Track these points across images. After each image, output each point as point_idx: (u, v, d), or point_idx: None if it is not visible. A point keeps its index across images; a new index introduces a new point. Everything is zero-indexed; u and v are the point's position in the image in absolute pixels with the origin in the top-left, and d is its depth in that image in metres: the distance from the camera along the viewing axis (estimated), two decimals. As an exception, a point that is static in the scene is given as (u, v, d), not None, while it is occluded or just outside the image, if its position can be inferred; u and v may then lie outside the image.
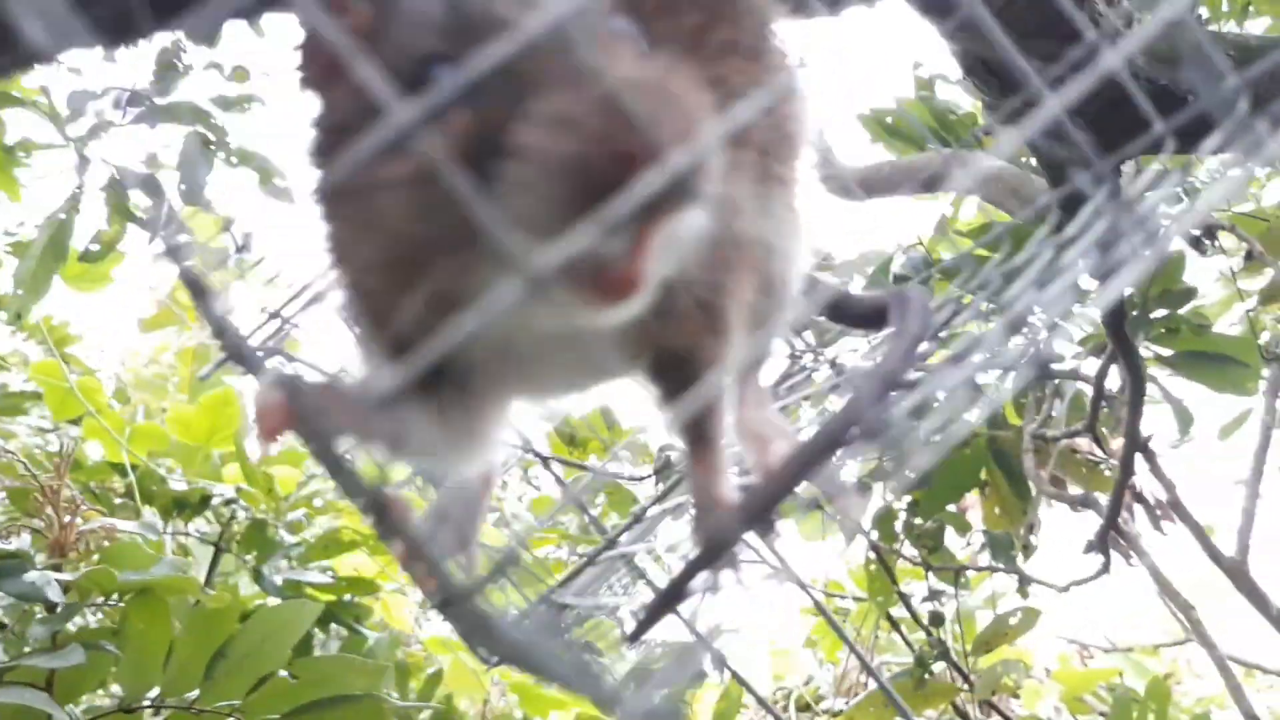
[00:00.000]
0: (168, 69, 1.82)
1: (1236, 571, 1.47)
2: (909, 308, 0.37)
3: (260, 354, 0.48)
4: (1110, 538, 1.91)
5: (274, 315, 0.48)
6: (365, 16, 0.33)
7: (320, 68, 0.35)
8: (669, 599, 0.31)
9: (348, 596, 2.22)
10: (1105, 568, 1.57)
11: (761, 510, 0.28)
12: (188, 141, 1.83)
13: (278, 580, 2.05)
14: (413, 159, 0.28)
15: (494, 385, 0.36)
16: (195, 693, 1.28)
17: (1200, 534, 1.53)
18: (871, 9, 0.81)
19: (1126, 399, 1.34)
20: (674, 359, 0.38)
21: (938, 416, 0.34)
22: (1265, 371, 1.83)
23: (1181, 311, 1.90)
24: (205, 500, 2.02)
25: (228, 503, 2.02)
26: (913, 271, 1.87)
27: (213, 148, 1.88)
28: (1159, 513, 2.33)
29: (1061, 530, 2.17)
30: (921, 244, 1.87)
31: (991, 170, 1.36)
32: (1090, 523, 1.91)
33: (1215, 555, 1.51)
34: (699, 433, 0.40)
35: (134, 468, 1.98)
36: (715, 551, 0.30)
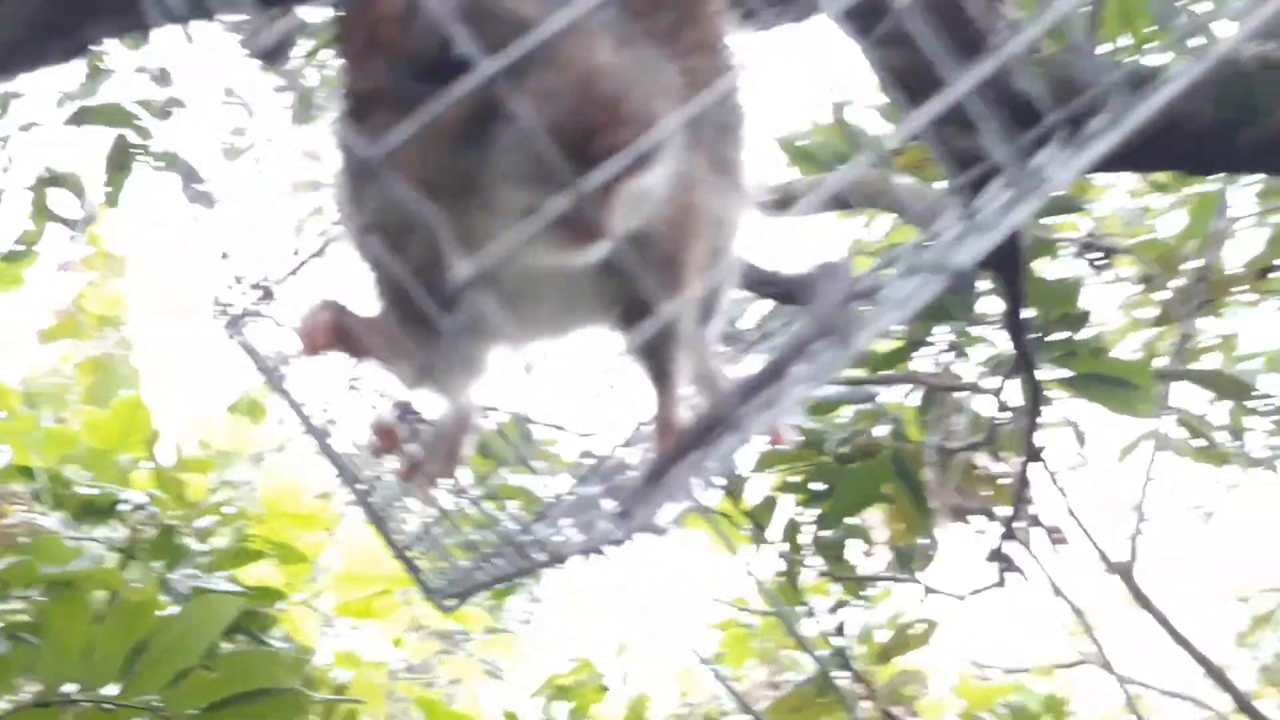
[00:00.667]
0: (95, 72, 1.82)
1: (1126, 573, 1.59)
2: (837, 267, 0.44)
3: (243, 318, 0.53)
4: (1010, 560, 2.04)
5: (256, 285, 0.53)
6: (396, 3, 0.39)
7: (359, 41, 0.41)
8: (655, 477, 0.37)
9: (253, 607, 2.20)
10: (1004, 575, 1.68)
11: (736, 403, 0.34)
12: (114, 144, 1.84)
13: (185, 589, 2.04)
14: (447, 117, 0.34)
15: (486, 325, 0.42)
16: (114, 688, 1.29)
17: (1092, 540, 1.65)
18: (799, 25, 0.89)
19: (1025, 409, 1.45)
20: (640, 308, 0.44)
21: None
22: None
23: (1080, 335, 2.04)
24: (114, 505, 2.00)
25: (137, 508, 2.01)
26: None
27: (136, 151, 1.89)
28: (1054, 535, 2.48)
29: (963, 547, 2.29)
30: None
31: (852, 180, 1.48)
32: (991, 541, 2.03)
33: (1106, 559, 1.63)
34: (659, 372, 0.48)
35: (43, 471, 1.95)
36: (682, 449, 0.35)
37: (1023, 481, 1.52)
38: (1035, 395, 1.39)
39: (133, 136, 1.90)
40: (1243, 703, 1.85)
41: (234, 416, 3.22)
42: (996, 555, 1.64)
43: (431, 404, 0.49)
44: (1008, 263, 1.23)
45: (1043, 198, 0.31)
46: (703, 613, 2.69)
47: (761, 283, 0.61)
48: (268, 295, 0.52)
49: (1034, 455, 1.48)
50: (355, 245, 0.43)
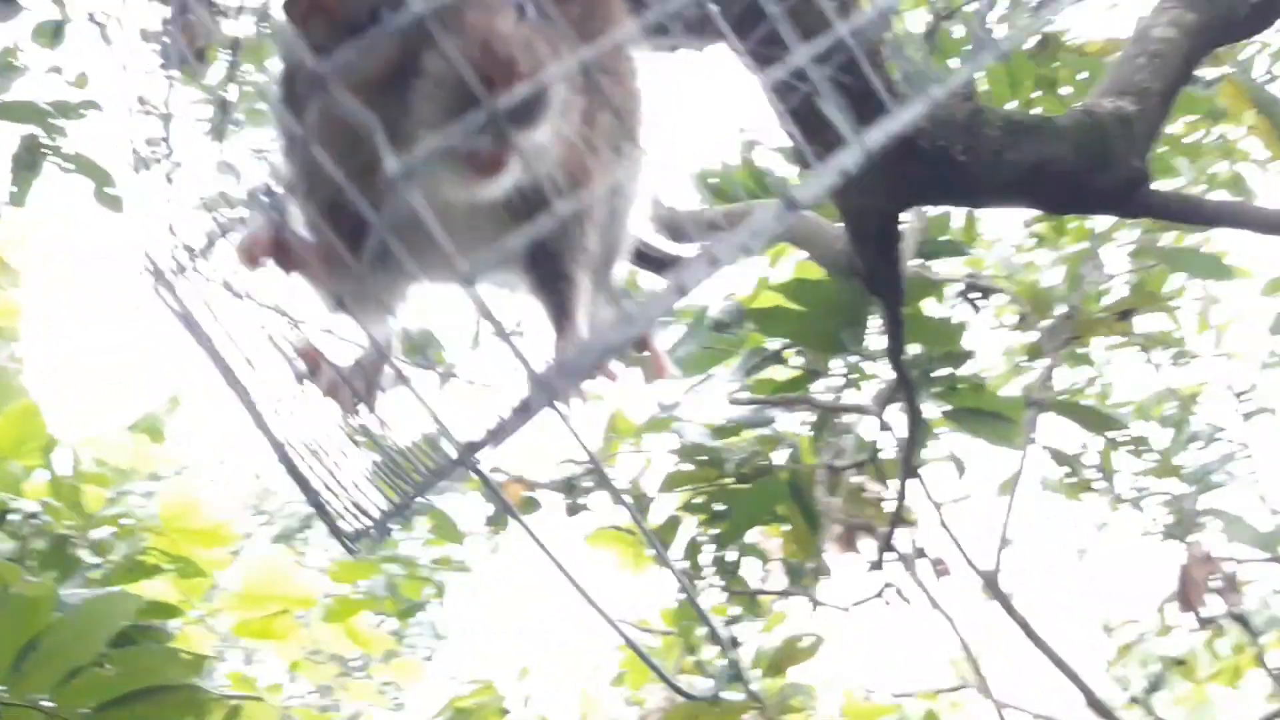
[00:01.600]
0: (5, 68, 1.81)
1: (991, 581, 1.68)
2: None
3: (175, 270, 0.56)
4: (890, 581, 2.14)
5: (188, 247, 0.56)
6: None
7: (304, 3, 0.46)
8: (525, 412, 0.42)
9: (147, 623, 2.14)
10: (885, 587, 1.76)
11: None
12: (22, 143, 1.82)
13: (76, 603, 1.98)
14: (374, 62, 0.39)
15: (401, 260, 0.46)
16: (2, 687, 1.26)
17: (961, 549, 1.74)
18: (700, 53, 0.95)
19: (907, 430, 1.53)
20: (544, 252, 0.50)
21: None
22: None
23: (960, 371, 2.17)
24: (3, 515, 1.95)
25: (29, 517, 1.96)
26: (729, 319, 2.07)
27: (46, 151, 1.87)
28: (938, 567, 2.59)
29: (852, 570, 2.38)
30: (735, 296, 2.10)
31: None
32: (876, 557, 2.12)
33: (974, 568, 1.72)
34: (561, 311, 0.53)
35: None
36: (562, 376, 0.40)
37: (902, 495, 1.61)
38: (915, 416, 1.47)
39: (43, 136, 1.88)
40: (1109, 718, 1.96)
41: (135, 436, 3.13)
42: (877, 566, 1.72)
43: (350, 331, 0.53)
44: (890, 290, 1.32)
45: (862, 152, 0.38)
46: (605, 634, 2.72)
47: (645, 256, 0.68)
48: (193, 254, 0.55)
49: (912, 471, 1.57)
50: (290, 162, 0.48)
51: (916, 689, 2.99)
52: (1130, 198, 1.22)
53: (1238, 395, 3.12)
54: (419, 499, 0.52)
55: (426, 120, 0.42)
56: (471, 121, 0.36)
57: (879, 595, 1.76)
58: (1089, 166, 1.20)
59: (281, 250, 0.48)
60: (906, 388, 1.41)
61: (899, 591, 2.32)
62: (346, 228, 0.41)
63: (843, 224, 1.26)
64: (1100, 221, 2.51)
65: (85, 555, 2.08)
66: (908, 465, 1.53)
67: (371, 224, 0.35)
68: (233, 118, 2.91)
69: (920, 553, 2.31)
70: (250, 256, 0.48)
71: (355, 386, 0.51)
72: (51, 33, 1.81)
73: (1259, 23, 1.39)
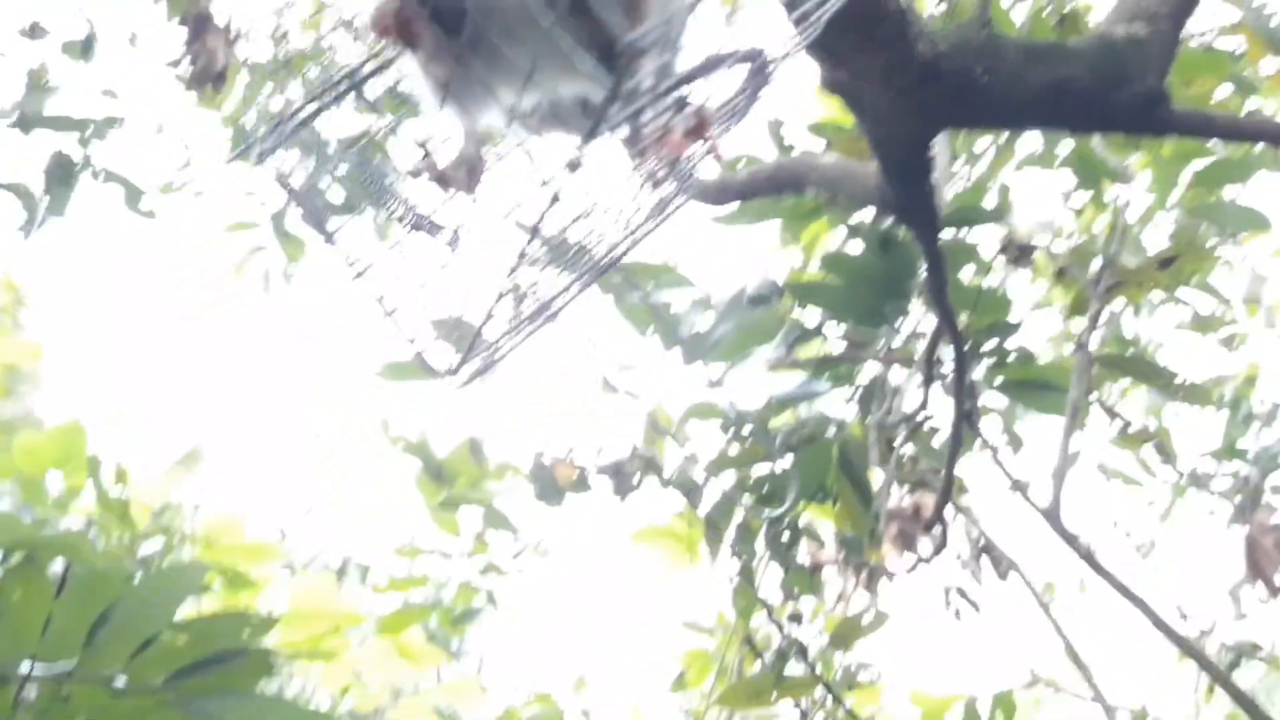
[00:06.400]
0: (39, 85, 1.95)
1: (1052, 515, 1.76)
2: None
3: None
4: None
5: (279, 121, 0.67)
6: None
7: None
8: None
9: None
10: (943, 543, 1.83)
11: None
12: (54, 158, 1.95)
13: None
14: None
15: (493, 60, 0.57)
16: (71, 663, 1.34)
17: (1020, 489, 1.82)
18: None
19: (953, 370, 1.61)
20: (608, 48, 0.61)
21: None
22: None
23: (1007, 343, 2.26)
24: (48, 531, 2.05)
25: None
26: (765, 293, 2.18)
27: (79, 165, 2.00)
28: (1000, 565, 2.66)
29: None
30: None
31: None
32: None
33: (1034, 504, 1.80)
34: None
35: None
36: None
37: (957, 440, 1.68)
38: (960, 351, 1.56)
39: (75, 153, 2.02)
40: (1220, 678, 2.03)
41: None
42: (935, 519, 1.80)
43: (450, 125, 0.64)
44: (925, 221, 1.41)
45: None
46: (662, 641, 2.80)
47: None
48: (282, 127, 0.66)
49: (965, 413, 1.65)
50: None
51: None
52: (1151, 115, 1.31)
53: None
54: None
55: None
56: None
57: (939, 550, 1.83)
58: (1107, 85, 1.30)
59: (405, 26, 0.58)
60: (950, 324, 1.50)
61: (961, 592, 2.39)
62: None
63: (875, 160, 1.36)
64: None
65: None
66: (960, 404, 1.61)
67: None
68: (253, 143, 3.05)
69: (984, 549, 2.39)
70: (381, 28, 0.58)
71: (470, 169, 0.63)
72: (81, 49, 1.96)
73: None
